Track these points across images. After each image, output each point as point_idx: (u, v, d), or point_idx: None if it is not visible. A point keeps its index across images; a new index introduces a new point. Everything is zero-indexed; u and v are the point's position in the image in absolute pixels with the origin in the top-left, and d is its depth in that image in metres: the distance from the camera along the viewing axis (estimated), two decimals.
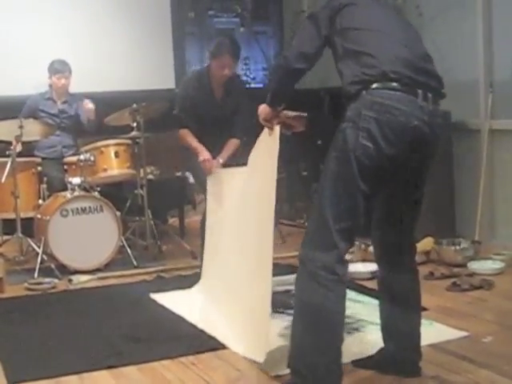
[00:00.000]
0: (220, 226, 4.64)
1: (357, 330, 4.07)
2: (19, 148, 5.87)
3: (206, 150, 5.09)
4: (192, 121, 5.25)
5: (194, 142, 5.19)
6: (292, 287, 4.71)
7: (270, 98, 3.42)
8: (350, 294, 4.52)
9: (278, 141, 3.62)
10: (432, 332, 3.89)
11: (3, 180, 5.65)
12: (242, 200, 4.31)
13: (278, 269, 5.22)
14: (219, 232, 4.64)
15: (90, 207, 5.75)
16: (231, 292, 4.24)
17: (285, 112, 3.56)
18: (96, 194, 5.92)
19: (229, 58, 5.12)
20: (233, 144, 5.28)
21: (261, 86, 8.77)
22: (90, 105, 6.31)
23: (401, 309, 3.28)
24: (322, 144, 6.80)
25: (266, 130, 3.76)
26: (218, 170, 4.95)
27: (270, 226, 3.75)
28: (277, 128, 3.62)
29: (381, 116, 2.90)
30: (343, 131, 2.98)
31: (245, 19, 8.88)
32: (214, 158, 5.06)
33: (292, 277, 4.94)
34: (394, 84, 2.95)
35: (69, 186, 5.84)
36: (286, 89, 3.37)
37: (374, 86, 2.95)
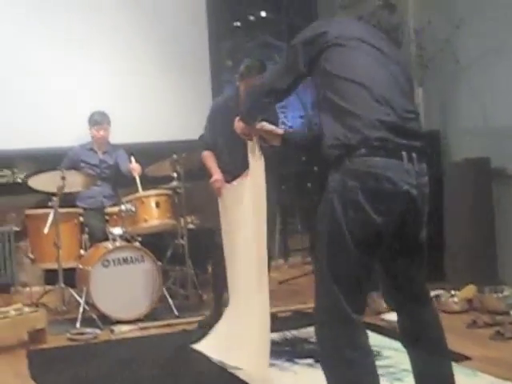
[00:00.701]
0: (232, 245, 4.64)
1: (400, 380, 4.01)
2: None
3: (219, 172, 5.16)
4: (217, 144, 5.33)
5: (211, 163, 5.29)
6: None
7: (243, 114, 3.46)
8: (392, 343, 4.53)
9: (259, 152, 3.80)
10: (476, 382, 3.83)
11: (46, 231, 5.73)
12: (243, 215, 4.34)
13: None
14: (232, 253, 4.64)
15: (131, 257, 5.79)
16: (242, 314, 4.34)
17: (262, 124, 3.53)
18: (137, 243, 5.97)
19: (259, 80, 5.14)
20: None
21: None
22: (136, 167, 6.33)
23: (427, 355, 3.16)
24: None
25: (249, 144, 3.87)
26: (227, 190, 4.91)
27: (263, 241, 3.84)
28: (255, 140, 3.73)
29: (368, 186, 2.79)
30: (329, 203, 2.88)
31: None
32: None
33: None
34: (377, 151, 2.81)
35: (110, 236, 5.89)
36: (259, 110, 3.37)
37: (357, 152, 2.82)
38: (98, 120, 6.68)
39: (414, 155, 2.87)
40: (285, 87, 3.14)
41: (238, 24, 8.94)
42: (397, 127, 2.86)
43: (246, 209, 4.27)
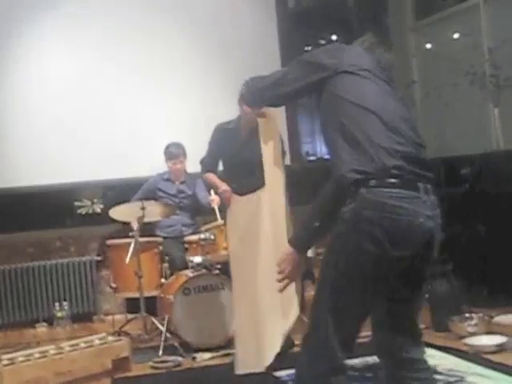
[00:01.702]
0: (243, 257, 4.61)
1: None
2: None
3: (225, 184, 5.15)
4: (217, 167, 5.40)
5: (214, 179, 5.31)
6: None
7: (245, 95, 3.48)
8: (476, 368, 4.47)
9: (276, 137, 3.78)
10: None
11: (127, 260, 5.84)
12: (260, 227, 4.31)
13: None
14: (241, 265, 4.61)
15: (211, 285, 5.84)
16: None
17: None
18: (217, 271, 6.02)
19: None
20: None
21: None
22: (216, 198, 6.34)
23: None
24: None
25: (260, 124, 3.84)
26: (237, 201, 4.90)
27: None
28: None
29: (384, 217, 2.69)
30: (342, 235, 2.79)
31: None
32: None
33: None
34: (395, 180, 2.71)
35: (190, 264, 5.96)
36: (259, 98, 3.34)
37: (374, 183, 2.72)
38: (174, 153, 6.74)
39: (428, 186, 2.77)
40: (281, 103, 3.32)
41: (309, 48, 8.98)
42: (411, 156, 2.77)
43: (263, 220, 4.24)
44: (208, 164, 5.42)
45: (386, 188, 2.71)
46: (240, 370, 4.76)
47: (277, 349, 4.28)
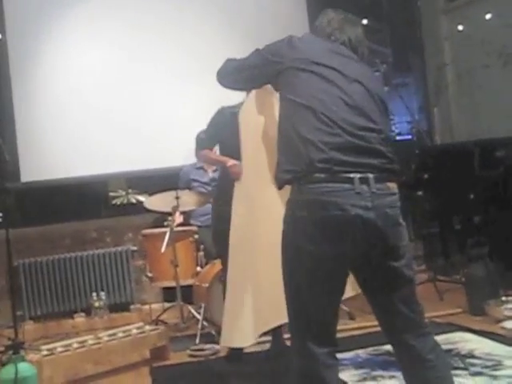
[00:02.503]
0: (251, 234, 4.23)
1: None
2: (180, 219, 6.07)
3: (229, 159, 4.83)
4: (213, 148, 5.25)
5: (215, 155, 5.21)
6: (453, 346, 4.70)
7: (218, 79, 3.44)
8: None
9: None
10: None
11: (163, 250, 5.87)
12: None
13: (437, 328, 5.19)
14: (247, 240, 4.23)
15: None
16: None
17: None
18: None
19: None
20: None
21: (409, 137, 8.72)
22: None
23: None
24: (474, 198, 6.70)
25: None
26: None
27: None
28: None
29: (314, 214, 2.71)
30: (284, 236, 2.85)
31: (386, 73, 8.93)
32: None
33: (452, 336, 4.95)
34: (323, 175, 2.71)
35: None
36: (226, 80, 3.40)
37: (303, 180, 2.75)
38: None
39: (369, 176, 2.73)
40: (241, 86, 3.42)
41: None
42: (346, 147, 2.74)
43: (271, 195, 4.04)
44: (205, 143, 5.28)
45: (315, 184, 2.72)
46: (223, 343, 4.57)
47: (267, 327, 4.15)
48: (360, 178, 2.72)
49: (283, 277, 2.89)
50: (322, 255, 2.72)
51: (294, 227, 2.80)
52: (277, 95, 3.40)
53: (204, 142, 5.32)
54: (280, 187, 2.93)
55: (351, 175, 2.71)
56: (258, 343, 5.48)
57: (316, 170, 2.72)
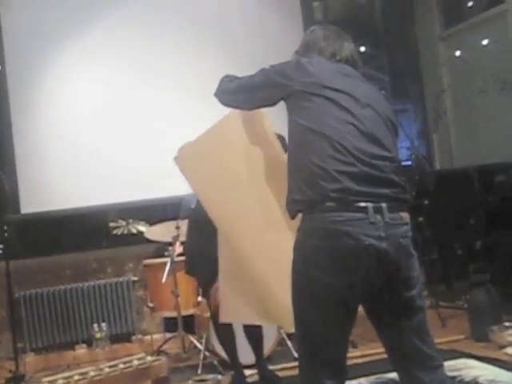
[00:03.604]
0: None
1: None
2: (180, 249, 6.06)
3: None
4: None
5: None
6: (457, 373, 4.67)
7: (216, 96, 3.40)
8: None
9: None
10: None
11: (164, 280, 5.86)
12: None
13: (440, 354, 5.15)
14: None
15: None
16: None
17: None
18: None
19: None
20: None
21: (408, 163, 8.73)
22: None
23: None
24: (474, 223, 6.70)
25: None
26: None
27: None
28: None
29: (327, 243, 2.67)
30: (294, 265, 2.79)
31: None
32: None
33: (456, 362, 4.92)
34: (335, 204, 2.67)
35: None
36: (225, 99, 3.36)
37: (315, 208, 2.71)
38: None
39: (383, 205, 2.70)
40: (246, 107, 3.27)
41: None
42: (360, 176, 2.71)
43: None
44: None
45: (327, 212, 2.67)
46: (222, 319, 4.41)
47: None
48: (374, 208, 2.68)
49: (294, 310, 2.84)
50: (333, 285, 2.68)
51: (305, 256, 2.75)
52: (263, 114, 3.40)
53: None
54: (293, 217, 2.87)
55: (365, 204, 2.68)
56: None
57: (329, 199, 2.68)
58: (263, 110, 3.36)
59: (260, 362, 5.21)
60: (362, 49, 8.77)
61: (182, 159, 3.92)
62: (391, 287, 2.77)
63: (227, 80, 3.34)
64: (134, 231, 7.41)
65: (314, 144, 2.78)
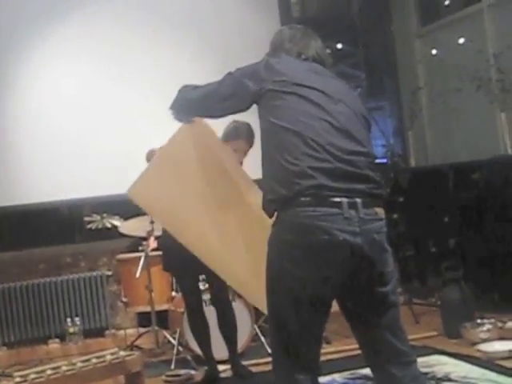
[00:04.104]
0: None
1: None
2: (155, 244, 6.04)
3: None
4: None
5: None
6: (429, 370, 4.70)
7: (174, 108, 3.45)
8: (490, 374, 4.46)
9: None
10: None
11: (138, 275, 5.84)
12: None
13: (413, 351, 5.18)
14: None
15: None
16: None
17: None
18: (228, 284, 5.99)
19: (244, 144, 4.82)
20: None
21: (383, 161, 8.76)
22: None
23: None
24: (448, 220, 6.74)
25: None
26: None
27: None
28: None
29: (301, 238, 2.66)
30: (268, 261, 2.79)
31: (360, 97, 8.97)
32: None
33: (429, 359, 4.95)
34: (310, 199, 2.65)
35: (200, 277, 5.93)
36: (184, 113, 3.41)
37: (289, 203, 2.69)
38: None
39: (357, 200, 2.69)
40: (218, 116, 3.19)
41: None
42: (335, 172, 2.70)
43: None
44: None
45: (302, 207, 2.66)
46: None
47: None
48: (348, 203, 2.67)
49: (268, 305, 2.84)
50: (307, 280, 2.68)
51: (279, 250, 2.75)
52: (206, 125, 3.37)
53: None
54: (270, 216, 2.85)
55: (339, 199, 2.67)
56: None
57: (303, 195, 2.67)
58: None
59: (233, 358, 5.22)
60: (339, 46, 8.79)
61: (137, 196, 3.89)
62: (365, 283, 2.77)
63: (189, 89, 3.31)
64: (109, 225, 7.37)
65: (287, 142, 2.77)
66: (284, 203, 2.73)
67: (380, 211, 2.80)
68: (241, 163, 4.65)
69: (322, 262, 2.66)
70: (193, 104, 3.25)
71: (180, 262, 4.85)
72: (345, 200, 2.67)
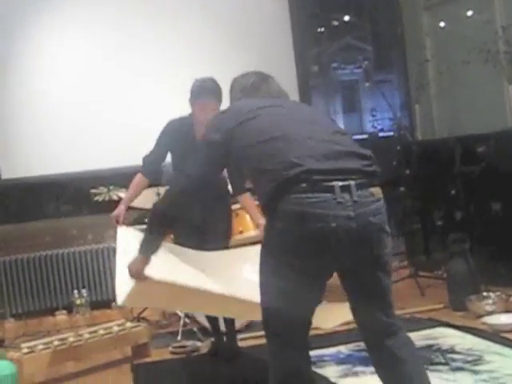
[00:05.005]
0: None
1: None
2: None
3: (123, 207, 4.78)
4: (162, 161, 4.99)
5: (128, 193, 4.97)
6: (434, 342, 4.71)
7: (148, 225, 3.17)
8: (495, 347, 4.47)
9: None
10: None
11: None
12: None
13: (418, 323, 5.20)
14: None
15: None
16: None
17: None
18: None
19: (211, 101, 4.61)
20: (249, 200, 4.90)
21: (390, 134, 8.75)
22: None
23: None
24: (455, 193, 6.73)
25: None
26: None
27: None
28: None
29: (294, 226, 2.61)
30: (262, 244, 2.80)
31: (367, 70, 8.95)
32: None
33: (434, 331, 4.96)
34: (302, 186, 2.60)
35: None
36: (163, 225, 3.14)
37: (282, 194, 2.63)
38: None
39: (351, 183, 2.64)
40: (210, 177, 3.07)
41: (322, 30, 8.95)
42: (323, 154, 2.67)
43: None
44: (154, 151, 4.99)
45: (294, 194, 2.62)
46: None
47: None
48: (341, 187, 2.62)
49: (260, 294, 2.83)
50: (301, 266, 2.64)
51: (273, 238, 2.72)
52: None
53: (153, 154, 5.00)
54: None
55: (332, 183, 2.62)
56: (242, 339, 5.51)
57: (294, 182, 2.63)
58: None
59: (229, 334, 5.14)
60: (346, 18, 8.74)
61: (131, 303, 4.10)
62: (361, 265, 2.74)
63: (169, 191, 3.15)
64: (115, 198, 7.37)
65: (267, 152, 2.75)
66: (275, 193, 2.67)
67: (377, 191, 2.74)
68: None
69: (317, 249, 2.63)
70: (182, 191, 3.06)
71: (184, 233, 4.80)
72: (337, 184, 2.62)
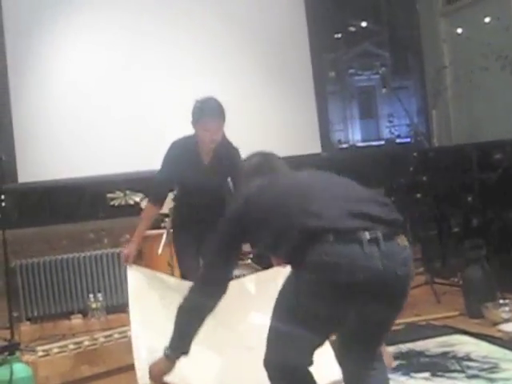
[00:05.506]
0: None
1: None
2: None
3: (134, 246, 4.50)
4: (169, 187, 4.88)
5: (140, 227, 4.72)
6: (450, 349, 4.69)
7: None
8: (511, 355, 4.45)
9: None
10: None
11: (160, 251, 5.86)
12: None
13: (434, 330, 5.18)
14: None
15: (243, 274, 5.83)
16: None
17: None
18: (249, 261, 6.02)
19: (215, 120, 4.51)
20: None
21: (407, 140, 8.75)
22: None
23: None
24: (471, 200, 6.70)
25: None
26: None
27: None
28: None
29: (321, 276, 2.57)
30: (283, 290, 2.78)
31: (384, 76, 8.93)
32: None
33: (449, 338, 4.94)
34: (329, 237, 2.57)
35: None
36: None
37: (311, 243, 2.59)
38: None
39: (379, 234, 2.59)
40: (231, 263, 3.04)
41: (339, 35, 8.96)
42: (348, 209, 2.66)
43: None
44: (161, 183, 4.82)
45: (322, 245, 2.58)
46: None
47: None
48: (369, 239, 2.58)
49: (272, 332, 2.80)
50: (325, 315, 2.63)
51: (297, 288, 2.68)
52: None
53: (161, 182, 4.83)
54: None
55: (359, 235, 2.59)
56: None
57: (320, 233, 2.60)
58: None
59: None
60: (364, 24, 8.74)
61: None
62: (378, 313, 2.71)
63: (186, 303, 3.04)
64: (132, 202, 7.40)
65: (292, 207, 2.74)
66: (302, 245, 2.64)
67: (402, 239, 2.70)
68: (215, 141, 4.52)
69: (342, 300, 2.61)
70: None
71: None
72: (365, 235, 2.59)
